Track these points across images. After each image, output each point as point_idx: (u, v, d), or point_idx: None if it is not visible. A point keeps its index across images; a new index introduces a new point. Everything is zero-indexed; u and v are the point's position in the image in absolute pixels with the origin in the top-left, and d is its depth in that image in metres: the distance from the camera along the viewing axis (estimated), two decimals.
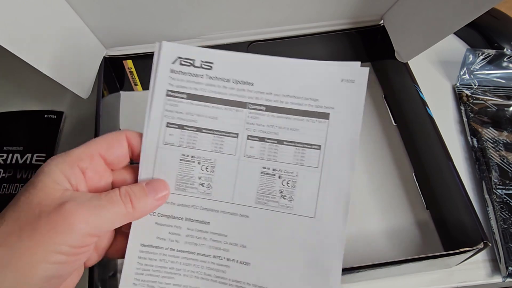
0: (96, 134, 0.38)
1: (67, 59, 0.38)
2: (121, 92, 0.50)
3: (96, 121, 0.39)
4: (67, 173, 0.21)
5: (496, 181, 0.42)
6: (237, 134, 0.29)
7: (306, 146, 0.29)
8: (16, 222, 0.19)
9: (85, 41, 0.42)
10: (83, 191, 0.22)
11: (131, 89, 0.50)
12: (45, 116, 0.47)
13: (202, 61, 0.29)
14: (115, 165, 0.25)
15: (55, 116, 0.47)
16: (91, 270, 0.32)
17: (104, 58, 0.45)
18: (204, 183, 0.28)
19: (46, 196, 0.20)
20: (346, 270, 0.32)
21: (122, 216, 0.23)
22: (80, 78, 0.41)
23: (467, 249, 0.33)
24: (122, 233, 0.26)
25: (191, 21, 0.43)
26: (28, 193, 0.20)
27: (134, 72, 0.48)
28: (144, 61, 0.47)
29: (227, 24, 0.44)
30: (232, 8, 0.42)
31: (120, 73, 0.48)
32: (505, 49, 0.52)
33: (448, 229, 0.39)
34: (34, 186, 0.21)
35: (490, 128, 0.46)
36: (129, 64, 0.47)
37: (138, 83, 0.49)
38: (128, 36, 0.44)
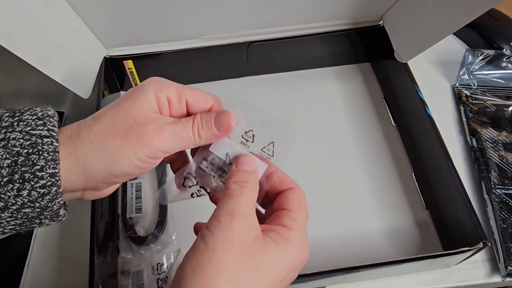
0: None
1: (67, 59, 0.39)
2: (121, 92, 0.50)
3: None
4: (159, 99, 0.27)
5: (495, 181, 0.42)
6: None
7: None
8: (113, 122, 0.26)
9: (85, 41, 0.42)
10: (165, 115, 0.28)
11: None
12: None
13: None
14: (193, 110, 0.30)
15: None
16: (91, 269, 0.32)
17: (105, 58, 0.45)
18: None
19: (141, 112, 0.26)
20: (346, 270, 0.32)
21: (190, 142, 0.28)
22: (80, 78, 0.41)
23: (466, 248, 0.33)
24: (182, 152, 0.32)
25: (191, 21, 0.43)
26: (128, 103, 0.26)
27: (135, 72, 0.48)
28: (144, 61, 0.47)
29: (227, 24, 0.44)
30: (232, 8, 0.42)
31: (121, 73, 0.48)
32: (504, 50, 0.52)
33: (447, 228, 0.39)
34: (135, 100, 0.27)
35: (489, 128, 0.46)
36: (129, 64, 0.47)
37: (139, 83, 0.49)
38: (128, 36, 0.44)
